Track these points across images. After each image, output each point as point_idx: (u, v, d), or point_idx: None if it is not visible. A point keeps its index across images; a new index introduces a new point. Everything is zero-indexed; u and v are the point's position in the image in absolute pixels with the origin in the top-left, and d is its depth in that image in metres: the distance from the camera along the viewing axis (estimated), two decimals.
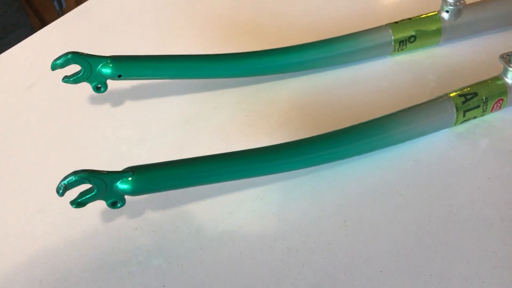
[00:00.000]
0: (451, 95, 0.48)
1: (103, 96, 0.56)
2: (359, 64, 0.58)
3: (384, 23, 0.57)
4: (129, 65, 0.51)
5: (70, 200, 0.40)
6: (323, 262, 0.41)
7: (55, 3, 1.91)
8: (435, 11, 0.57)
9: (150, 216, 0.45)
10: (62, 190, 0.38)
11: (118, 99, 0.57)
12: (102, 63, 0.50)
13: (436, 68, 0.57)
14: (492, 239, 0.41)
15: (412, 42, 0.57)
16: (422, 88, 0.55)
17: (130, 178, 0.40)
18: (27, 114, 0.57)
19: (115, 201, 0.41)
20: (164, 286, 0.40)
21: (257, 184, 0.47)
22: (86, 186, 0.40)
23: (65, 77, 0.51)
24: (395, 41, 0.56)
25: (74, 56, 0.49)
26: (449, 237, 0.42)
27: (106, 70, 0.51)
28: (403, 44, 0.57)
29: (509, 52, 0.48)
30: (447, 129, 0.50)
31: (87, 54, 0.50)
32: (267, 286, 0.40)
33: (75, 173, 0.38)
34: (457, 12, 0.56)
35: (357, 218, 0.44)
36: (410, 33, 0.56)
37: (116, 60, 0.51)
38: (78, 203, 0.40)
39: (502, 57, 0.48)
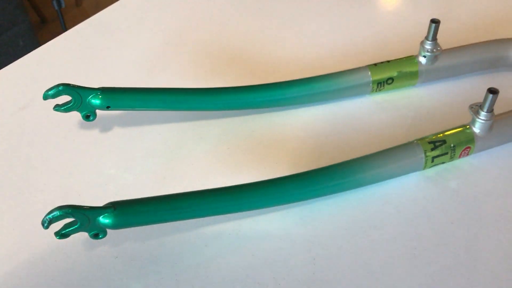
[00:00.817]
0: (421, 141, 0.51)
1: (92, 123, 0.58)
2: (339, 102, 0.61)
3: (365, 64, 0.60)
4: (118, 97, 0.54)
5: (54, 231, 0.42)
6: None
7: (54, 3, 1.92)
8: (413, 55, 0.60)
9: (130, 247, 0.48)
10: (47, 223, 0.41)
11: (106, 127, 0.59)
12: (91, 94, 0.53)
13: (411, 108, 0.60)
14: (452, 284, 0.44)
15: (389, 83, 0.60)
16: (398, 128, 0.58)
17: (111, 214, 0.43)
18: (17, 136, 0.59)
19: (97, 233, 0.44)
20: None
21: (233, 218, 0.49)
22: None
23: (56, 105, 0.53)
24: (373, 82, 0.59)
25: (65, 88, 0.51)
26: (411, 281, 0.44)
27: (96, 101, 0.53)
28: (381, 85, 0.60)
29: (478, 102, 0.51)
30: (417, 172, 0.53)
31: (78, 86, 0.52)
32: None
33: (59, 208, 0.41)
34: (434, 57, 0.59)
35: (326, 256, 0.46)
36: (388, 75, 0.59)
37: (105, 92, 0.53)
38: (61, 234, 0.43)
39: (471, 107, 0.51)
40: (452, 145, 0.51)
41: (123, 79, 0.66)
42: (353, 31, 0.72)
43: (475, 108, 0.51)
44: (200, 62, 0.68)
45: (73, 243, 0.48)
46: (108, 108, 0.54)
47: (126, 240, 0.48)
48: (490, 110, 0.50)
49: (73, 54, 0.72)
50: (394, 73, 0.59)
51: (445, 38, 0.61)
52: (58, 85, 0.51)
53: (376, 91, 0.60)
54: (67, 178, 0.54)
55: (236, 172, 0.54)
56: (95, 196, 0.52)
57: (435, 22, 0.56)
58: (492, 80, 0.62)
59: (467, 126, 0.52)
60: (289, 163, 0.55)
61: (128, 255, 0.47)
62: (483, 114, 0.50)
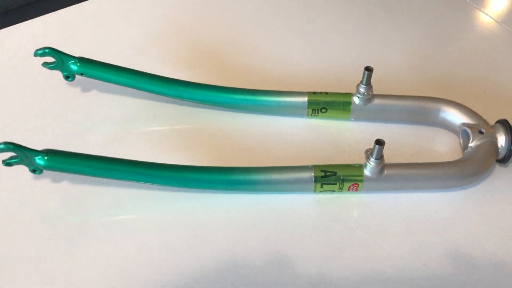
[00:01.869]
0: (315, 167, 0.59)
1: (69, 83, 0.71)
2: (279, 117, 0.70)
3: (314, 90, 0.68)
4: (91, 68, 0.66)
5: (1, 160, 0.56)
6: None
7: None
8: (350, 93, 0.67)
9: (64, 186, 0.61)
10: None
11: (80, 88, 0.72)
12: (71, 61, 0.66)
13: (336, 138, 0.68)
14: None
15: (323, 112, 0.68)
16: (316, 152, 0.66)
17: (43, 158, 0.55)
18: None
19: (34, 169, 0.57)
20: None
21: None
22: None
23: (45, 63, 0.66)
24: (308, 107, 0.67)
25: (51, 51, 0.64)
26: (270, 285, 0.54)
27: (73, 67, 0.66)
28: (315, 111, 0.68)
29: (369, 148, 0.58)
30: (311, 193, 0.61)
31: (61, 52, 0.65)
32: None
33: (5, 143, 0.54)
34: (367, 99, 0.66)
35: (204, 237, 0.57)
36: (322, 104, 0.67)
37: (82, 61, 0.66)
38: (7, 163, 0.56)
39: (366, 151, 0.59)
40: (341, 178, 0.59)
41: (113, 55, 0.78)
42: (328, 58, 0.80)
43: (367, 153, 0.58)
44: (181, 54, 0.79)
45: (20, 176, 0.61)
46: (82, 74, 0.66)
47: (63, 180, 0.61)
48: (378, 158, 0.57)
49: (75, 23, 0.84)
50: (328, 104, 0.67)
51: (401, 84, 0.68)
52: (45, 48, 0.64)
53: (312, 115, 0.68)
54: (28, 120, 0.68)
55: (166, 152, 0.65)
56: (43, 140, 0.65)
57: (368, 70, 0.63)
58: (421, 132, 0.68)
59: (359, 166, 0.59)
60: (212, 156, 0.65)
61: (61, 192, 0.60)
62: (372, 160, 0.58)
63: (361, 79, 0.65)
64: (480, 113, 0.66)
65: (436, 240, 0.58)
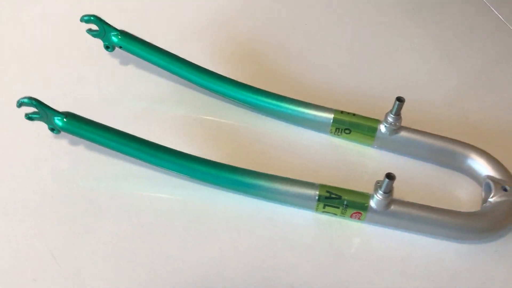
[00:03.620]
0: (321, 186, 0.58)
1: (109, 54, 0.73)
2: (303, 128, 0.69)
3: (344, 108, 0.67)
4: (131, 43, 0.68)
5: (25, 113, 0.58)
6: None
7: None
8: (378, 120, 0.65)
9: (79, 150, 0.63)
10: (18, 104, 0.57)
11: (118, 60, 0.74)
12: (112, 32, 0.67)
13: (355, 163, 0.66)
14: None
15: (347, 133, 0.66)
16: (334, 172, 0.64)
17: (62, 120, 0.57)
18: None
19: (53, 128, 0.59)
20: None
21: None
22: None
23: (89, 29, 0.68)
24: (332, 125, 0.66)
25: (96, 19, 0.66)
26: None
27: (114, 39, 0.68)
28: (339, 131, 0.66)
29: (380, 180, 0.56)
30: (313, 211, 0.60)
31: (104, 22, 0.67)
32: None
33: (29, 97, 0.56)
34: (393, 130, 0.64)
35: (196, 221, 0.57)
36: (347, 125, 0.66)
37: (123, 34, 0.67)
38: (29, 116, 0.58)
39: (376, 182, 0.57)
40: (345, 203, 0.58)
41: (158, 36, 0.79)
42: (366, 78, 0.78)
43: (378, 185, 0.56)
44: (223, 48, 0.79)
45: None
46: (121, 47, 0.68)
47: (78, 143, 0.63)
48: (386, 191, 0.55)
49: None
50: (353, 126, 0.65)
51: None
52: (91, 15, 0.66)
53: (334, 134, 0.67)
54: (61, 82, 0.71)
55: (182, 138, 0.66)
56: (70, 104, 0.67)
57: (400, 100, 0.61)
58: (444, 175, 0.65)
59: (367, 195, 0.58)
60: (225, 152, 0.65)
61: (71, 151, 0.63)
62: (380, 193, 0.56)
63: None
64: None
65: None
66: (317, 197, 0.58)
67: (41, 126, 0.59)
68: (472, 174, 0.64)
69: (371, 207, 0.57)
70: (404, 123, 0.65)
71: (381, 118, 0.65)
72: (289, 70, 0.77)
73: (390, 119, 0.63)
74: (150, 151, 0.58)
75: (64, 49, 0.76)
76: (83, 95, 0.70)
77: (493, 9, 0.89)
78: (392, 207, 0.57)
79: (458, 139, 0.65)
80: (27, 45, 0.77)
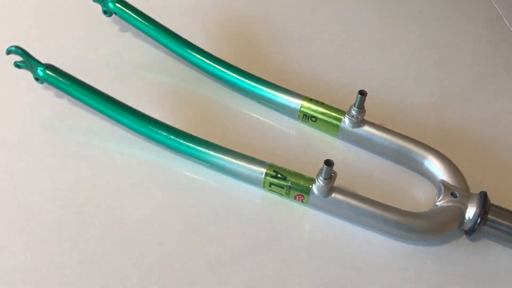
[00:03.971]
0: (270, 165, 0.60)
1: (110, 20, 0.78)
2: (274, 111, 0.71)
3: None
4: (124, 11, 0.73)
5: (14, 61, 0.64)
6: None
7: None
8: (344, 111, 0.66)
9: (63, 101, 0.69)
10: (7, 51, 0.62)
11: (118, 27, 0.79)
12: None
13: (316, 150, 0.67)
14: None
15: (313, 121, 0.68)
16: (293, 156, 0.66)
17: (43, 71, 0.63)
18: None
19: (37, 78, 0.65)
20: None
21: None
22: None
23: None
24: (300, 111, 0.68)
25: None
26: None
27: (110, 5, 0.73)
28: (306, 117, 0.68)
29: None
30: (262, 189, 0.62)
31: None
32: None
33: (16, 46, 0.62)
34: (356, 123, 0.65)
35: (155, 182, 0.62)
36: (313, 113, 0.67)
37: (119, 2, 0.72)
38: (16, 64, 0.64)
39: (320, 169, 0.58)
40: (289, 185, 0.59)
41: (156, 8, 0.83)
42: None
43: (319, 171, 0.58)
44: (219, 29, 0.82)
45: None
46: (115, 13, 0.73)
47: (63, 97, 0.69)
48: (326, 178, 0.57)
49: None
50: (319, 115, 0.67)
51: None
52: None
53: (302, 120, 0.69)
54: (59, 39, 0.77)
55: (157, 104, 0.70)
56: (62, 61, 0.72)
57: (362, 94, 0.62)
58: (405, 175, 0.66)
59: (311, 180, 0.59)
60: (193, 123, 0.68)
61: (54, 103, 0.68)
62: (320, 179, 0.57)
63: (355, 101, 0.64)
64: (474, 178, 0.63)
65: (357, 279, 0.56)
66: (264, 175, 0.60)
67: (28, 76, 0.65)
68: (429, 177, 0.64)
69: (313, 192, 0.59)
70: (379, 120, 0.66)
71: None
72: (281, 57, 0.79)
73: (353, 112, 0.64)
74: (114, 108, 0.63)
75: (64, 8, 0.82)
76: (76, 53, 0.75)
77: (505, 21, 0.87)
78: (333, 194, 0.59)
79: (428, 143, 0.64)
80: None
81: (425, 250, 0.59)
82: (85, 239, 0.57)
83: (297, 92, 0.69)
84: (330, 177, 0.57)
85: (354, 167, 0.66)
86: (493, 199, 0.59)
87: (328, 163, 0.55)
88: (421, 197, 0.64)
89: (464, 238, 0.61)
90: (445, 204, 0.59)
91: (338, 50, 0.81)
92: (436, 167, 0.62)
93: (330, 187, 0.58)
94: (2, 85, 0.71)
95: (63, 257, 0.56)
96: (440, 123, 0.72)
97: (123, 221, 0.59)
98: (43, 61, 0.63)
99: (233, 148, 0.62)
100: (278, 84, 0.70)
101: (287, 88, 0.69)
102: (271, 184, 0.60)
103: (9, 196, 0.60)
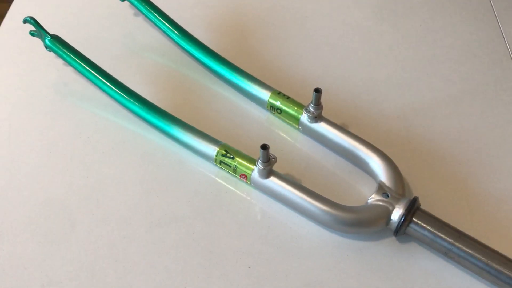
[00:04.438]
0: (223, 144, 0.67)
1: (125, 4, 0.88)
2: (248, 100, 0.77)
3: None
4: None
5: (29, 30, 0.76)
6: None
7: None
8: (304, 106, 0.71)
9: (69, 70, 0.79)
10: (24, 21, 0.74)
11: (132, 12, 0.88)
12: None
13: (277, 140, 0.73)
14: None
15: (279, 113, 0.73)
16: (255, 143, 0.69)
17: (48, 40, 0.74)
18: None
19: (46, 46, 0.76)
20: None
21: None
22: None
23: None
24: (268, 102, 0.73)
25: None
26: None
27: None
28: (273, 109, 0.73)
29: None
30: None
31: None
32: None
33: (30, 17, 0.74)
34: (313, 118, 0.69)
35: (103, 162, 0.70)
36: (278, 106, 0.72)
37: None
38: (31, 32, 0.76)
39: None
40: (235, 164, 0.66)
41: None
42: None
43: (258, 160, 0.63)
44: (220, 23, 0.89)
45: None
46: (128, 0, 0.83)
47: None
48: (264, 161, 0.62)
49: None
50: (283, 108, 0.72)
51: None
52: None
53: (270, 111, 0.74)
54: (74, 16, 0.88)
55: (146, 81, 0.79)
56: (75, 37, 0.81)
57: (317, 91, 0.66)
58: (354, 173, 0.69)
59: (255, 162, 0.65)
60: (173, 103, 0.76)
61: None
62: (259, 162, 0.63)
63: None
64: (421, 186, 0.66)
65: (278, 257, 0.61)
66: (215, 152, 0.67)
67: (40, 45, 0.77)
68: (373, 176, 0.67)
69: (254, 173, 0.65)
70: (346, 121, 0.72)
71: (331, 114, 0.71)
72: (267, 52, 0.85)
73: (310, 108, 0.69)
74: (103, 77, 0.72)
75: None
76: (88, 30, 0.86)
77: (505, 37, 0.86)
78: (271, 178, 0.64)
79: (389, 147, 0.68)
80: None
81: (351, 243, 0.63)
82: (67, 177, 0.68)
83: (269, 85, 0.75)
84: (268, 161, 0.63)
85: (308, 158, 0.71)
86: (432, 209, 0.62)
87: (264, 147, 0.61)
88: (364, 194, 0.67)
89: (392, 238, 0.63)
90: (375, 203, 0.62)
91: (323, 50, 0.85)
92: (379, 168, 0.66)
93: (269, 170, 0.63)
94: (21, 50, 0.83)
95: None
96: (406, 132, 0.74)
97: (89, 174, 0.68)
98: (60, 34, 0.75)
99: (203, 129, 0.70)
100: (261, 77, 0.76)
101: (263, 80, 0.75)
102: (221, 162, 0.67)
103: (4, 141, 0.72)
